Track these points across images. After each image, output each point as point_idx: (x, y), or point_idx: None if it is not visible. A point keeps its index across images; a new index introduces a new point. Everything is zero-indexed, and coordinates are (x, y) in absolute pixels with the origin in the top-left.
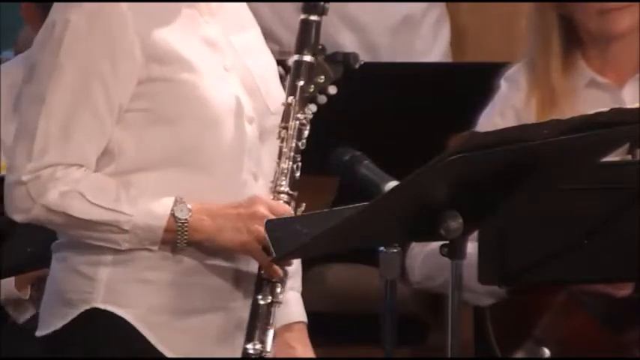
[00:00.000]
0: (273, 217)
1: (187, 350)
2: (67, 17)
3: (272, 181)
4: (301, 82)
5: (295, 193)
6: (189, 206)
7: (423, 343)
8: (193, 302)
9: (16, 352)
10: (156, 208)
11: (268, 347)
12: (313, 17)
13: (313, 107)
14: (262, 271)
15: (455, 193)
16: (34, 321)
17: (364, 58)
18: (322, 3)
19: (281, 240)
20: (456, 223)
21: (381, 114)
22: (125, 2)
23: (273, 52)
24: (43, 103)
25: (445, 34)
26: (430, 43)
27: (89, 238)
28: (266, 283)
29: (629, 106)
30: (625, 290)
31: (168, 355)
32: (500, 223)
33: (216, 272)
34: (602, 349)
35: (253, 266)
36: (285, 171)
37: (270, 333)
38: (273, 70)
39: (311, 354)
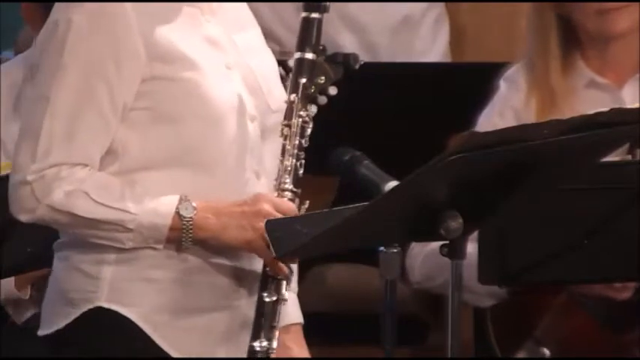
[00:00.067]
0: (278, 214)
1: (192, 349)
2: (70, 17)
3: (276, 179)
4: (303, 80)
5: (299, 191)
6: (193, 204)
7: (423, 343)
8: (198, 301)
9: (16, 352)
10: (160, 206)
11: (274, 345)
12: (314, 15)
13: (313, 108)
14: (267, 269)
15: (455, 193)
16: (33, 321)
17: (364, 58)
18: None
19: (281, 240)
20: (456, 223)
21: (381, 114)
22: (128, 2)
23: (273, 52)
24: (47, 102)
25: (445, 34)
26: (430, 43)
27: (94, 237)
28: (271, 280)
29: (628, 106)
30: (626, 293)
31: (173, 354)
32: (500, 223)
33: (220, 271)
34: (602, 350)
35: (256, 264)
36: (289, 168)
37: (276, 330)
38: (274, 69)
39: (307, 355)
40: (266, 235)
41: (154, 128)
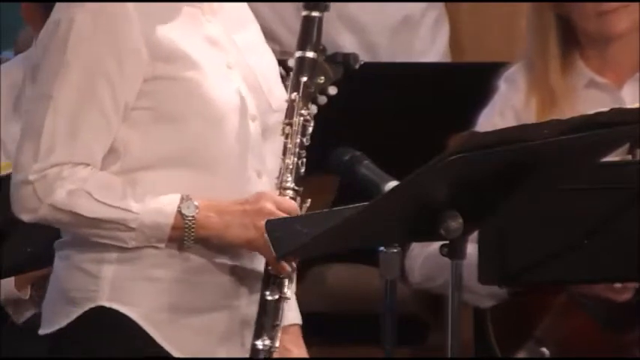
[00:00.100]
0: (280, 212)
1: (193, 349)
2: (72, 17)
3: (277, 177)
4: (304, 78)
5: (301, 189)
6: (195, 203)
7: (423, 343)
8: (199, 300)
9: (16, 352)
10: (163, 205)
11: (277, 343)
12: (315, 13)
13: (314, 108)
14: (270, 267)
15: (455, 193)
16: (33, 321)
17: (364, 58)
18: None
19: (281, 240)
20: (456, 223)
21: (381, 114)
22: (130, 2)
23: (273, 51)
24: (49, 102)
25: (444, 34)
26: (429, 43)
27: (96, 236)
28: (274, 279)
29: (628, 106)
30: (625, 295)
31: (174, 353)
32: (500, 223)
33: (221, 270)
34: (602, 350)
35: (258, 264)
36: (290, 167)
37: (279, 329)
38: (274, 68)
39: (306, 356)
40: (266, 236)
41: (156, 128)
